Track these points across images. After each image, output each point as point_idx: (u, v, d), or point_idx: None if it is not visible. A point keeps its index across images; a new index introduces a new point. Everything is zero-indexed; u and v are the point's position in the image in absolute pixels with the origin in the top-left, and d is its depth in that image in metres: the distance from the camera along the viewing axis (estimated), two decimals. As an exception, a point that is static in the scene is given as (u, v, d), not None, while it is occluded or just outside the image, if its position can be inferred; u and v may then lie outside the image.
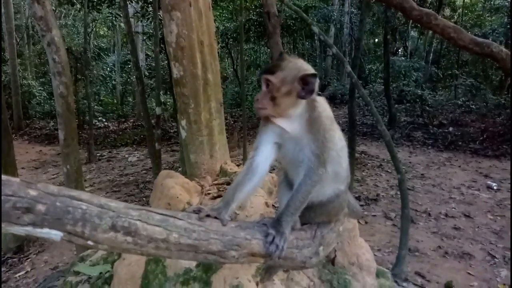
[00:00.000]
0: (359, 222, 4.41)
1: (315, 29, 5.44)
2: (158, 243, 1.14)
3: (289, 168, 1.70)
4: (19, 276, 5.24)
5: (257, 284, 2.31)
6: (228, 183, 3.24)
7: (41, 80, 18.66)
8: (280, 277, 2.42)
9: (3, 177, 0.97)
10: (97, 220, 1.06)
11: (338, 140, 1.60)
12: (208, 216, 1.35)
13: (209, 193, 3.13)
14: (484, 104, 13.93)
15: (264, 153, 1.56)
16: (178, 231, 1.18)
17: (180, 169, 8.15)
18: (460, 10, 18.07)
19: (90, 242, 1.05)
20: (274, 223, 1.46)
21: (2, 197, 0.93)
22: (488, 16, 17.68)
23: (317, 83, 1.49)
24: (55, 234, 1.02)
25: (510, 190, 7.28)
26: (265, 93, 1.49)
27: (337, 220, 1.72)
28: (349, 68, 5.25)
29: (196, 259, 1.24)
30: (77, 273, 2.97)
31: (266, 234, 1.41)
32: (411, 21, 17.36)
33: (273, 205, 2.97)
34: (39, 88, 17.41)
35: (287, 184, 1.73)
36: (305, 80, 1.47)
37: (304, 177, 1.50)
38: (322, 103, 1.58)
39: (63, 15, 19.34)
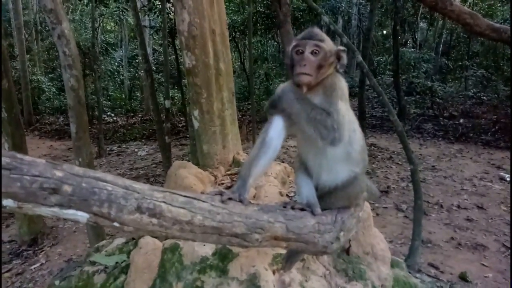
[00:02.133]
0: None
1: (325, 18, 5.37)
2: (183, 225, 1.13)
3: (303, 147, 1.69)
4: (34, 268, 5.32)
5: (273, 273, 2.31)
6: (241, 173, 3.23)
7: (50, 75, 18.77)
8: (296, 266, 2.41)
9: (30, 158, 0.97)
10: (123, 201, 1.05)
11: (350, 118, 1.57)
12: (230, 199, 1.35)
13: (222, 183, 3.12)
14: (496, 95, 13.71)
15: (278, 127, 1.54)
16: (203, 213, 1.17)
17: (189, 162, 8.18)
18: (471, -1, 17.72)
19: (116, 224, 1.04)
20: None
21: (29, 178, 0.92)
22: (499, 6, 17.30)
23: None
24: (81, 216, 1.01)
25: (510, 185, 7.18)
26: (313, 60, 1.49)
27: (357, 205, 1.70)
28: (360, 58, 5.17)
29: (219, 242, 1.22)
30: (93, 263, 2.99)
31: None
32: (420, 12, 17.17)
33: (287, 195, 2.96)
34: (48, 83, 17.53)
35: (304, 170, 1.71)
36: (339, 55, 1.55)
37: None
38: (341, 78, 1.59)
39: (70, 10, 19.38)
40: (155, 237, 2.60)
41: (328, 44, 1.53)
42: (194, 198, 1.19)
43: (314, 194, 1.61)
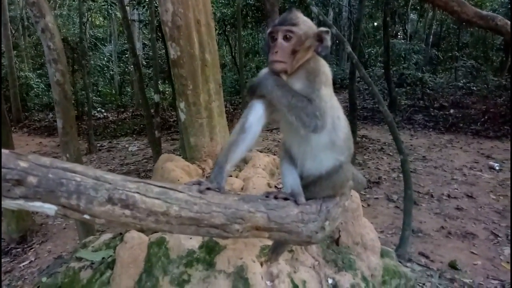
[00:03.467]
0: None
1: (314, 9, 5.32)
2: (158, 216, 1.09)
3: (287, 135, 1.65)
4: (23, 265, 5.25)
5: (261, 265, 2.28)
6: (230, 166, 3.19)
7: (38, 71, 18.47)
8: (285, 257, 2.39)
9: (-9, 148, 0.92)
10: (93, 192, 1.00)
11: (335, 107, 1.54)
12: (208, 189, 1.30)
13: (210, 176, 3.08)
14: (485, 85, 13.81)
15: (258, 112, 1.51)
16: (179, 204, 1.12)
17: (180, 156, 8.10)
18: (461, -10, 17.72)
19: (86, 216, 1.00)
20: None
21: (-9, 169, 0.87)
22: (488, -3, 17.39)
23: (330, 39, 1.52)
24: (49, 208, 0.96)
25: (510, 172, 7.25)
26: (285, 46, 1.43)
27: (342, 194, 1.67)
28: (349, 49, 5.14)
29: (198, 234, 1.18)
30: (79, 259, 2.94)
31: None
32: (410, 3, 17.16)
33: (275, 186, 2.93)
34: (36, 80, 17.23)
35: (289, 159, 1.67)
36: (320, 37, 1.49)
37: None
38: (324, 63, 1.54)
39: (57, 5, 19.03)
40: (141, 231, 2.55)
41: (303, 28, 1.46)
42: (170, 189, 1.14)
43: (299, 183, 1.58)
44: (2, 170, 0.88)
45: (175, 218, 1.10)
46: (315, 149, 1.53)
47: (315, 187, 1.58)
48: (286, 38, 1.43)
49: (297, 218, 1.38)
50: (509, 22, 3.21)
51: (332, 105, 1.49)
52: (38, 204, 0.94)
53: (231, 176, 2.90)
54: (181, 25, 3.05)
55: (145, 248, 2.44)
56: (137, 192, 1.07)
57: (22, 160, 0.93)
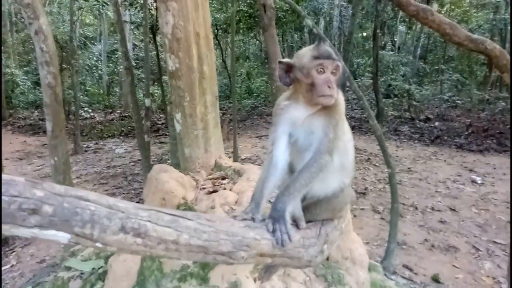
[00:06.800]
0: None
1: (309, 22, 5.39)
2: (168, 244, 1.11)
3: (296, 157, 1.67)
4: (4, 269, 5.11)
5: (254, 281, 2.30)
6: (223, 178, 3.20)
7: (25, 69, 18.10)
8: (277, 273, 2.42)
9: (8, 176, 0.93)
10: (106, 221, 1.02)
11: (346, 130, 1.61)
12: (244, 219, 1.40)
13: (204, 188, 3.09)
14: (469, 99, 14.19)
15: (282, 145, 1.57)
16: (188, 232, 1.15)
17: (169, 161, 8.05)
18: (448, 5, 18.27)
19: (98, 244, 1.01)
20: (271, 210, 1.47)
21: (7, 198, 0.88)
22: (474, 12, 17.93)
23: None
24: (62, 236, 0.98)
25: (510, 185, 7.39)
26: (333, 80, 1.46)
27: (340, 216, 1.72)
28: (342, 62, 5.23)
29: (205, 260, 1.21)
30: (68, 269, 2.91)
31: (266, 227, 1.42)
32: (399, 15, 17.54)
33: (269, 201, 2.95)
34: (22, 77, 16.88)
35: (291, 175, 1.70)
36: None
37: (310, 160, 1.50)
38: (340, 93, 1.58)
39: (47, 2, 18.72)
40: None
41: None
42: (180, 217, 1.17)
43: (300, 207, 1.61)
44: (19, 199, 0.90)
45: (184, 246, 1.13)
46: (326, 171, 1.56)
47: (315, 209, 1.62)
48: (333, 73, 1.46)
49: (299, 244, 1.42)
50: (497, 46, 3.34)
51: (343, 130, 1.57)
52: (52, 232, 0.95)
53: (225, 189, 2.93)
54: (180, 38, 3.07)
55: (138, 261, 2.44)
56: (149, 221, 1.09)
57: (38, 188, 0.94)
